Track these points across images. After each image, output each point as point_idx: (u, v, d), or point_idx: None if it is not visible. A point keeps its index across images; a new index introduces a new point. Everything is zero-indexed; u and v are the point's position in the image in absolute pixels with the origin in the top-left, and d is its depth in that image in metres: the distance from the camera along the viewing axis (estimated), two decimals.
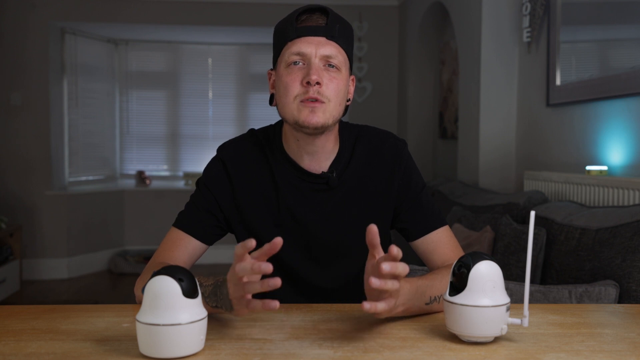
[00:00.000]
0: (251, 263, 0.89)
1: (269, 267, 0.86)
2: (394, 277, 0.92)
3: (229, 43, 5.83)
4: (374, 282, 0.88)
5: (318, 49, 1.15)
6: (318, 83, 1.14)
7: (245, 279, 0.91)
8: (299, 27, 1.17)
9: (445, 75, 4.50)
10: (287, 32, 1.18)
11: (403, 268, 0.91)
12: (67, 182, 5.23)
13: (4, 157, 4.88)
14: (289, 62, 1.17)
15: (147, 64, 5.83)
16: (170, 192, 5.55)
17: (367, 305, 0.89)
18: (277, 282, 0.86)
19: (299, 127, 1.17)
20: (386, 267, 0.88)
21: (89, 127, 5.45)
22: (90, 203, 5.25)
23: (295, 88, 1.15)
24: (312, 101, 1.14)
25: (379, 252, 0.94)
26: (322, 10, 1.19)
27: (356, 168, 1.27)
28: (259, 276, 0.91)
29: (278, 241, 0.89)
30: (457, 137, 3.91)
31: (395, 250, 0.89)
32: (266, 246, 0.90)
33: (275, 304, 0.87)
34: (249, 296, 0.92)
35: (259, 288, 0.89)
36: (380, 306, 0.91)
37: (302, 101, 1.15)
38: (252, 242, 0.89)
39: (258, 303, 0.90)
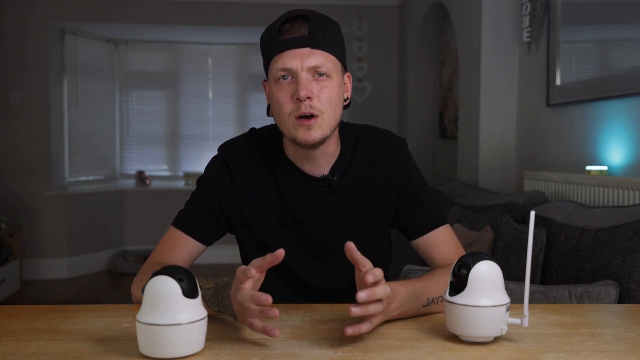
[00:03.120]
0: (251, 293, 0.90)
1: (268, 300, 0.88)
2: (377, 300, 0.93)
3: (229, 43, 5.83)
4: (354, 310, 0.90)
5: (303, 61, 1.13)
6: (308, 97, 1.12)
7: (246, 304, 0.92)
8: (281, 39, 1.14)
9: (445, 75, 4.50)
10: (271, 46, 1.16)
11: (382, 292, 0.92)
12: (67, 182, 5.23)
13: (4, 157, 4.88)
14: (277, 78, 1.15)
15: (147, 64, 5.83)
16: (170, 192, 5.55)
17: (349, 330, 0.90)
18: (274, 313, 0.89)
19: (297, 144, 1.17)
20: (362, 296, 0.90)
21: (89, 127, 5.45)
22: (90, 203, 5.25)
23: (288, 105, 1.14)
24: (307, 118, 1.13)
25: (364, 265, 0.95)
26: (304, 17, 1.15)
27: (357, 169, 1.27)
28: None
29: (280, 253, 0.91)
30: (457, 137, 3.91)
31: (370, 278, 0.91)
32: (268, 257, 0.92)
33: (275, 332, 0.90)
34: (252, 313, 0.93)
35: (259, 316, 0.91)
36: (364, 327, 0.93)
37: (296, 118, 1.14)
38: (252, 272, 0.91)
39: (259, 327, 0.92)
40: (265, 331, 0.91)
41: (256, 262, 0.93)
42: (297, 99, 1.12)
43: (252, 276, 0.91)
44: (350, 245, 0.93)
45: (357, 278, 0.99)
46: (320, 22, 1.15)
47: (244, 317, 0.93)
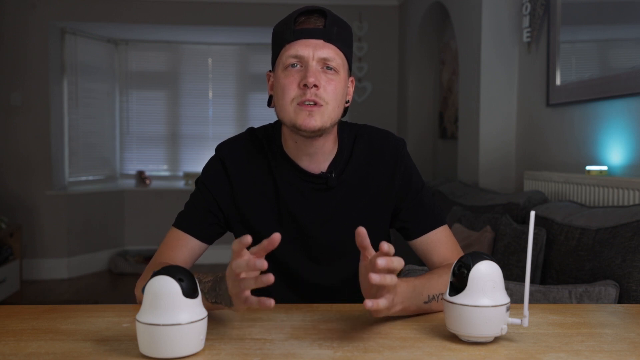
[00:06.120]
0: (247, 260, 0.89)
1: (263, 264, 0.87)
2: (390, 272, 0.92)
3: (229, 43, 5.83)
4: (374, 277, 0.89)
5: (316, 51, 1.15)
6: (315, 86, 1.14)
7: (242, 275, 0.91)
8: (296, 29, 1.16)
9: (445, 75, 4.50)
10: (285, 35, 1.17)
11: (398, 262, 0.91)
12: (67, 182, 5.23)
13: (4, 157, 4.88)
14: (286, 65, 1.16)
15: (147, 64, 5.83)
16: (170, 192, 5.55)
17: (369, 303, 0.89)
18: (270, 278, 0.87)
19: (297, 130, 1.17)
20: (382, 262, 0.88)
21: (89, 127, 5.45)
22: (90, 203, 5.25)
23: (293, 91, 1.15)
24: (309, 104, 1.14)
25: (370, 253, 0.95)
26: (321, 12, 1.18)
27: (355, 168, 1.27)
28: (257, 272, 0.91)
29: (276, 237, 0.89)
30: (457, 137, 3.91)
31: (386, 246, 0.90)
32: (264, 242, 0.90)
33: (271, 302, 0.88)
34: (247, 292, 0.92)
35: (253, 284, 0.90)
36: (382, 302, 0.92)
37: (299, 104, 1.15)
38: (248, 239, 0.89)
39: (254, 299, 0.90)
40: (261, 303, 0.88)
41: (252, 249, 0.93)
42: (305, 85, 1.14)
43: (247, 242, 0.89)
44: (362, 231, 0.92)
45: (361, 267, 0.99)
46: (336, 20, 1.18)
47: (239, 295, 0.92)
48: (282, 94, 1.17)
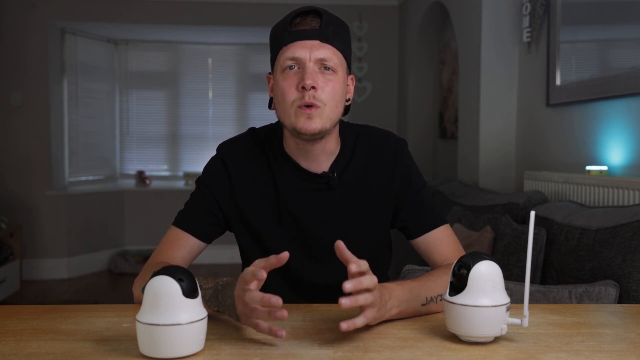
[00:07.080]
0: (261, 295, 0.90)
1: (279, 301, 0.88)
2: (367, 290, 0.92)
3: (229, 43, 5.83)
4: (344, 302, 0.89)
5: (312, 52, 1.15)
6: (313, 87, 1.14)
7: (253, 305, 0.92)
8: (292, 31, 1.16)
9: (445, 75, 4.50)
10: (281, 37, 1.18)
11: (369, 281, 0.91)
12: (67, 182, 5.23)
13: (4, 157, 4.88)
14: (284, 67, 1.17)
15: (147, 64, 5.83)
16: (170, 192, 5.55)
17: (344, 325, 0.89)
18: (283, 314, 0.89)
19: (297, 133, 1.17)
20: (348, 285, 0.89)
21: (89, 127, 5.45)
22: (90, 203, 5.25)
23: (292, 93, 1.16)
24: (308, 107, 1.14)
25: (350, 262, 0.94)
26: (316, 13, 1.18)
27: (357, 168, 1.27)
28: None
29: (285, 255, 0.91)
30: (457, 137, 3.91)
31: (354, 267, 0.90)
32: (272, 258, 0.92)
33: (282, 332, 0.90)
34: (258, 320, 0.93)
35: (266, 318, 0.91)
36: (358, 321, 0.92)
37: (299, 107, 1.15)
38: (263, 274, 0.90)
39: (265, 327, 0.92)
40: (271, 332, 0.91)
41: (260, 262, 0.93)
42: (302, 87, 1.14)
43: (261, 278, 0.90)
44: (340, 245, 0.92)
45: (350, 278, 0.99)
46: (332, 19, 1.18)
47: (249, 318, 0.93)
48: (282, 97, 1.17)
